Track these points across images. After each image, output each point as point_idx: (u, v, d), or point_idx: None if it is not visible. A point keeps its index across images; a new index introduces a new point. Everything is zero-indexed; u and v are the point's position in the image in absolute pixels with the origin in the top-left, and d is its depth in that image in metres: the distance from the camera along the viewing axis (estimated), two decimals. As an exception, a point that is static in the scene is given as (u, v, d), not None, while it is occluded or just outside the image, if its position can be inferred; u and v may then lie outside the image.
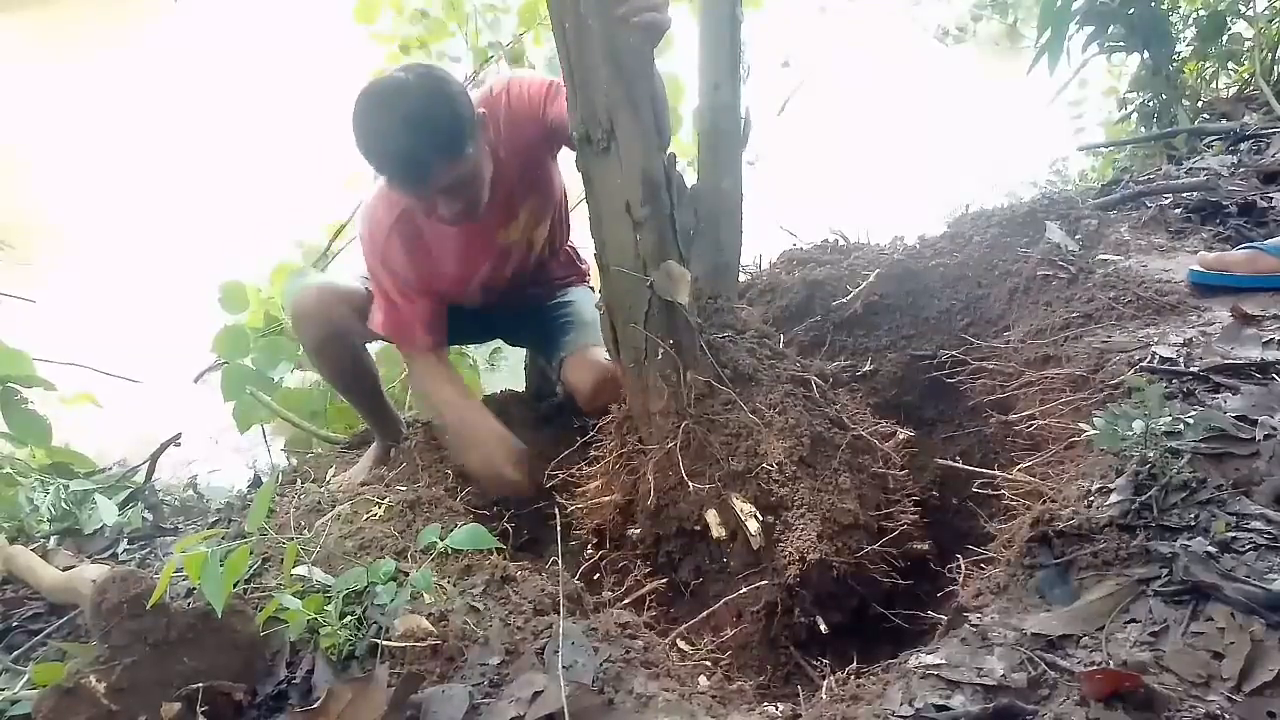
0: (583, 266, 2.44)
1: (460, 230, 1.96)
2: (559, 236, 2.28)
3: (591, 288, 2.42)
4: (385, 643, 1.26)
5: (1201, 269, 1.85)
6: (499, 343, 2.81)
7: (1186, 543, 1.15)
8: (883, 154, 5.30)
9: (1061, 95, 3.71)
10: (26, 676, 1.46)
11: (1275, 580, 1.07)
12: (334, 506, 1.74)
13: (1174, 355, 1.59)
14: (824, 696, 1.24)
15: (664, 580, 1.64)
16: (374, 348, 2.25)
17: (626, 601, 1.59)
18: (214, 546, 1.23)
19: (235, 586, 1.38)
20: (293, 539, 1.48)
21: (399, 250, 1.96)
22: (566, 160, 1.99)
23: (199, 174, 5.70)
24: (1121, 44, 3.36)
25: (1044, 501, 1.37)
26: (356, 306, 2.07)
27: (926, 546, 1.68)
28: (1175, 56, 3.51)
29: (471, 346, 3.07)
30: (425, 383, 2.12)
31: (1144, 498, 1.24)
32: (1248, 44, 3.58)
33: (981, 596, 1.26)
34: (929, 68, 7.09)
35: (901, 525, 1.62)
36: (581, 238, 1.94)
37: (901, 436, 1.80)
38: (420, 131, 1.69)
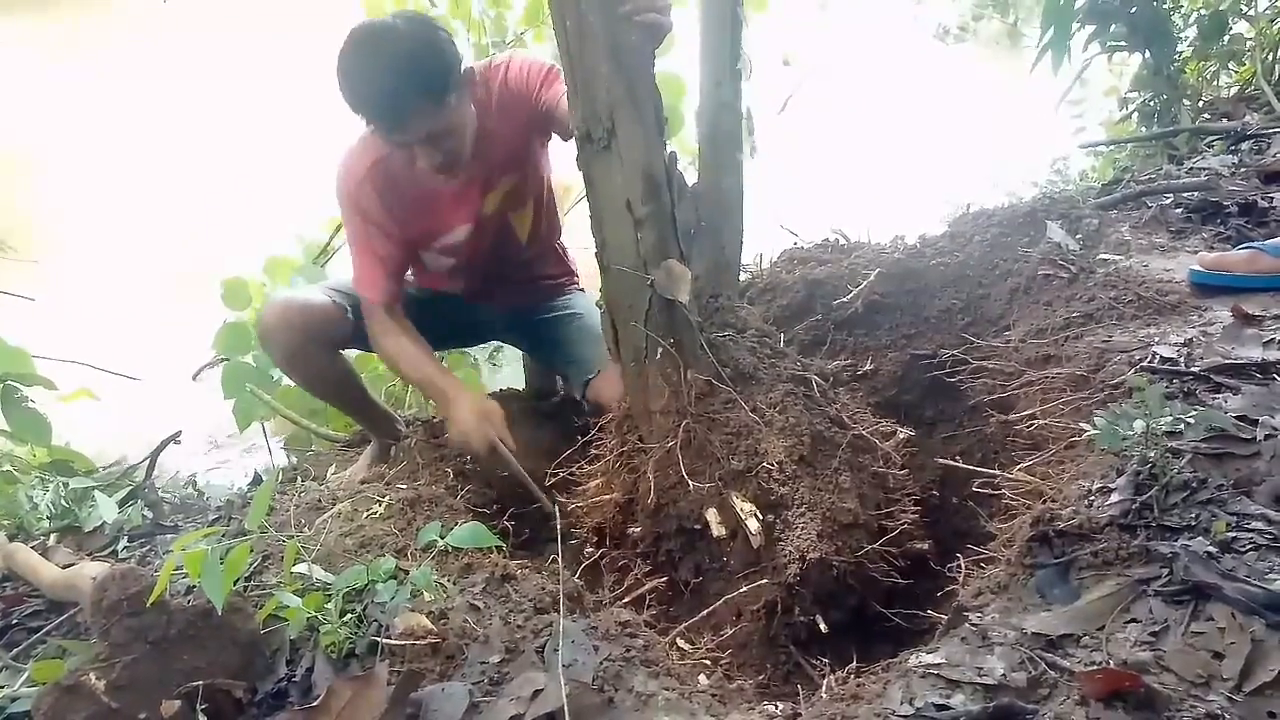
0: (572, 266, 2.44)
1: (436, 186, 1.95)
2: (547, 230, 2.27)
3: (583, 290, 2.42)
4: (385, 641, 1.26)
5: (1202, 269, 1.85)
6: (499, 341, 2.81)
7: (1187, 542, 1.15)
8: (883, 153, 5.30)
9: (1063, 97, 3.71)
10: (26, 674, 1.45)
11: (1276, 580, 1.07)
12: (334, 504, 1.74)
13: (1175, 355, 1.59)
14: (824, 695, 1.24)
15: (664, 579, 1.64)
16: (350, 352, 2.23)
17: (626, 600, 1.59)
18: (214, 544, 1.23)
19: (235, 584, 1.38)
20: (293, 537, 1.48)
21: (371, 196, 1.95)
22: (566, 158, 2.00)
23: (199, 171, 5.70)
24: (1123, 43, 3.36)
25: (1044, 501, 1.37)
26: (321, 318, 2.03)
27: (926, 546, 1.68)
28: (1177, 56, 3.51)
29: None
30: (384, 342, 2.05)
31: (1144, 497, 1.24)
32: (1249, 44, 3.58)
33: (981, 596, 1.26)
34: (930, 67, 7.09)
35: (902, 524, 1.62)
36: (582, 237, 1.94)
37: (902, 436, 1.79)
38: (402, 73, 1.68)
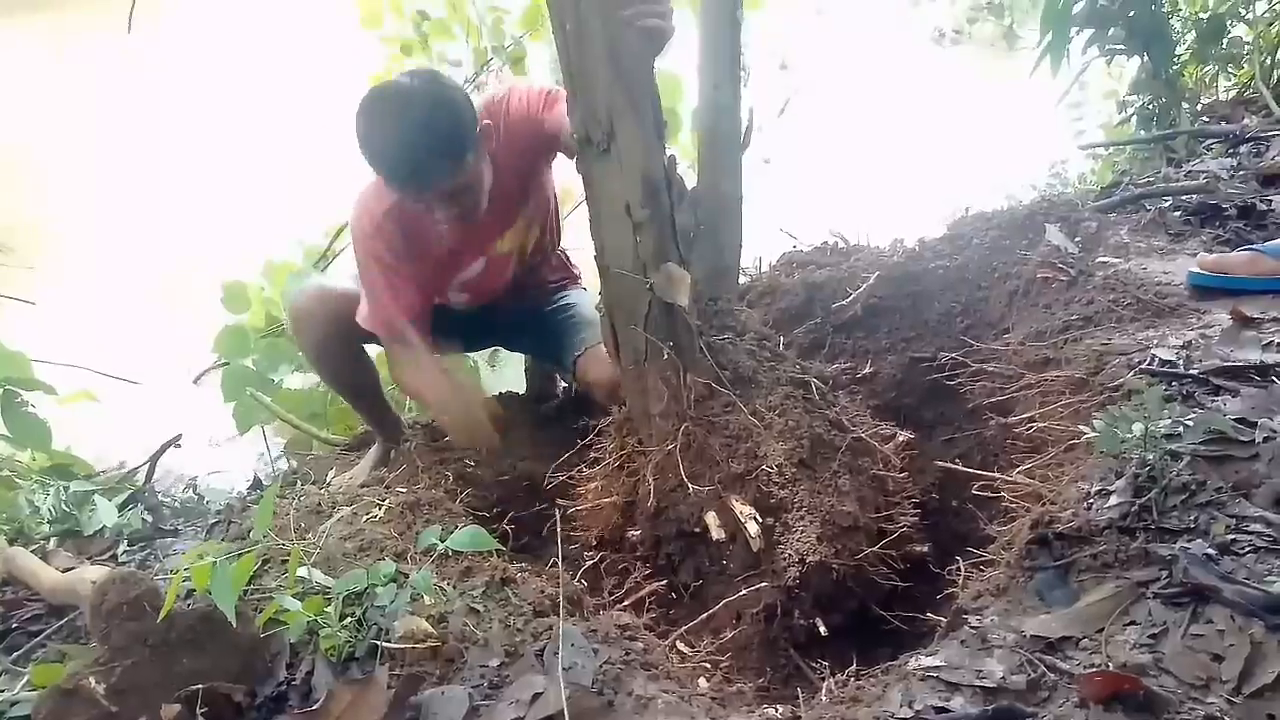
0: (575, 271, 2.44)
1: (453, 228, 1.96)
2: (550, 242, 2.29)
3: (585, 289, 2.43)
4: (385, 644, 1.26)
5: (1201, 271, 1.85)
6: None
7: (1186, 545, 1.15)
8: (882, 156, 5.30)
9: (1061, 98, 3.71)
10: (26, 678, 1.45)
11: (1275, 583, 1.07)
12: (334, 508, 1.74)
13: (1173, 358, 1.59)
14: (823, 698, 1.24)
15: (664, 582, 1.64)
16: (373, 349, 2.24)
17: (626, 603, 1.59)
18: (221, 557, 1.22)
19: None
20: (293, 541, 1.48)
21: (388, 239, 1.94)
22: (565, 162, 2.00)
23: (200, 175, 5.70)
24: (1121, 47, 3.36)
25: (1043, 504, 1.36)
26: (354, 308, 2.05)
27: (926, 548, 1.68)
28: (1175, 59, 3.51)
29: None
30: (408, 372, 2.02)
31: (1143, 500, 1.24)
32: (1247, 47, 3.59)
33: (981, 598, 1.26)
34: (927, 70, 7.09)
35: (901, 527, 1.62)
36: (581, 240, 1.95)
37: (901, 439, 1.80)
38: (424, 138, 1.71)
